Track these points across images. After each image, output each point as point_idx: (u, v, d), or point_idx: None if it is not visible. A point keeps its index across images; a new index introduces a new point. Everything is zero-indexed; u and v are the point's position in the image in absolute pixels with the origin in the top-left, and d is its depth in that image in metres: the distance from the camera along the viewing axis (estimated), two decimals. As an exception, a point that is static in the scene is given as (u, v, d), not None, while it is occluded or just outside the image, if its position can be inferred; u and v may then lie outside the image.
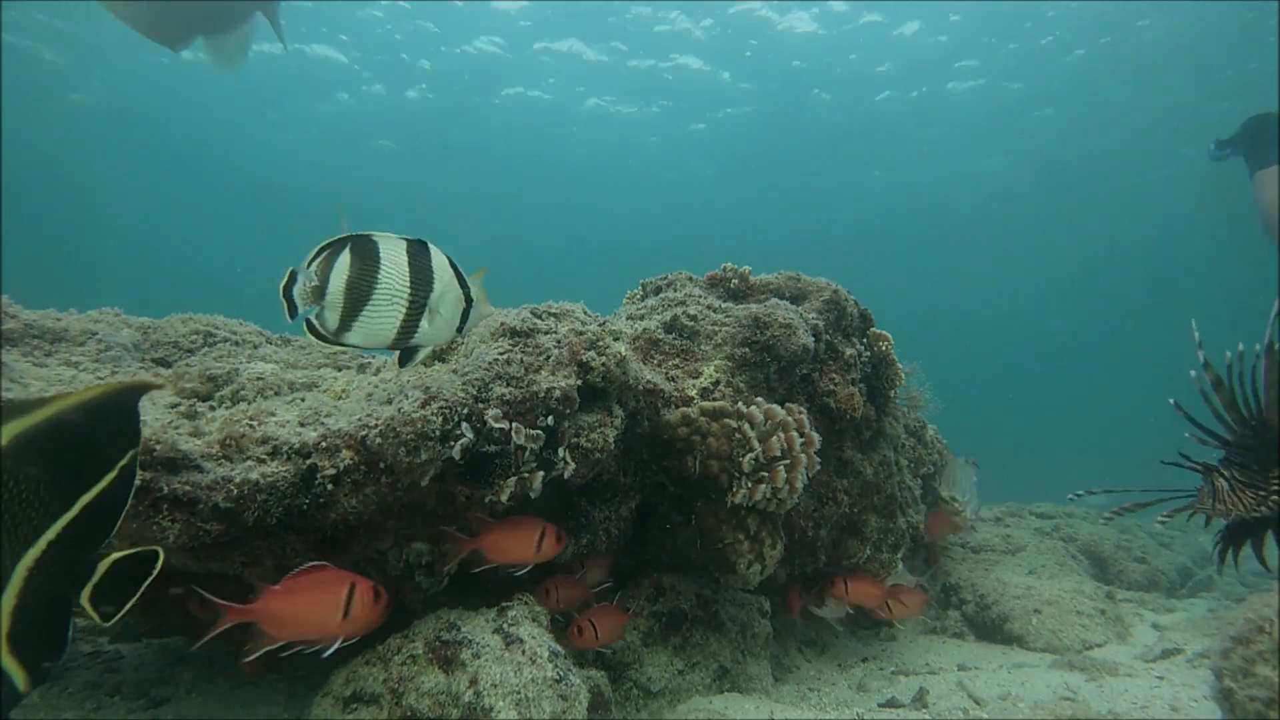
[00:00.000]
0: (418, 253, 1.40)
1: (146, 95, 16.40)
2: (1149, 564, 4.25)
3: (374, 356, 2.28)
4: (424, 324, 1.42)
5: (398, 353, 1.50)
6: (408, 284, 1.39)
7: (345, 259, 1.35)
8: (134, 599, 0.90)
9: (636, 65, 15.46)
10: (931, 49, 14.17)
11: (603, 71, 15.80)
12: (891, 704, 2.24)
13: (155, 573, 0.93)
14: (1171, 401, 2.02)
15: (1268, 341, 1.79)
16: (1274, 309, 1.77)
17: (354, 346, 1.42)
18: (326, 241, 1.36)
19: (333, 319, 1.36)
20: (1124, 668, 2.54)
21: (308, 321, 1.38)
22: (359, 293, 1.36)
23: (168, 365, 2.08)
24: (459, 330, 1.47)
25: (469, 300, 1.46)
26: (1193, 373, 1.92)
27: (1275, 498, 1.80)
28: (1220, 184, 4.75)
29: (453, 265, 1.44)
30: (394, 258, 1.38)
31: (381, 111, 17.44)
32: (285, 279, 1.33)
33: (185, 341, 2.20)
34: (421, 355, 1.52)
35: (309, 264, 1.35)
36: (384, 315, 1.38)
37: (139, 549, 0.94)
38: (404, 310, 1.39)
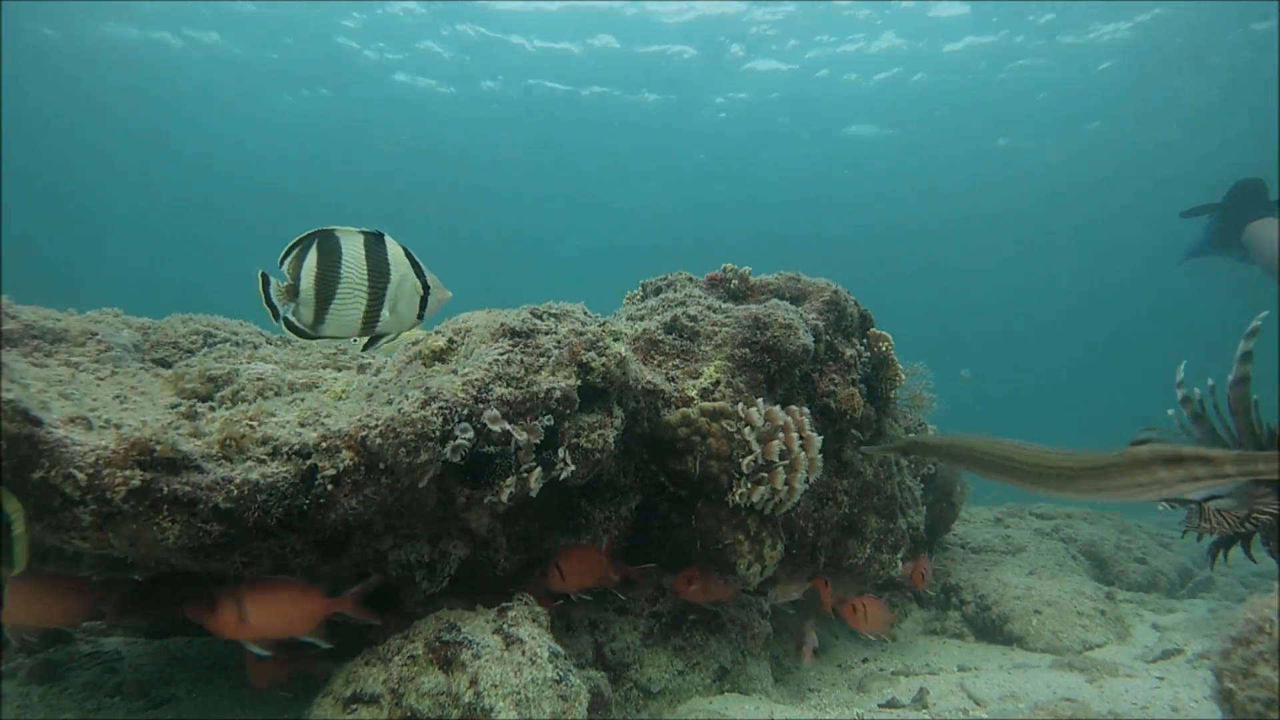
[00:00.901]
0: (374, 245, 1.51)
1: (146, 93, 16.41)
2: (1149, 564, 4.25)
3: (374, 357, 2.28)
4: (385, 312, 1.53)
5: (378, 341, 1.63)
6: (366, 276, 1.50)
7: (312, 257, 1.47)
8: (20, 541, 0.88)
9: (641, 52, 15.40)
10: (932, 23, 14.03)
11: (600, 59, 15.72)
12: (892, 704, 2.24)
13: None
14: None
15: (1237, 376, 1.89)
16: (1239, 349, 1.87)
17: (329, 337, 1.55)
18: (295, 240, 1.47)
19: (307, 314, 1.48)
20: (1124, 668, 2.54)
21: (286, 319, 1.48)
22: (326, 287, 1.48)
23: (168, 365, 2.08)
24: (420, 316, 1.58)
25: (425, 288, 1.56)
26: (1170, 412, 2.05)
27: (1256, 516, 1.94)
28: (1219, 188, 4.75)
29: (408, 255, 1.54)
30: (353, 252, 1.49)
31: (383, 104, 17.41)
32: (260, 284, 1.45)
33: (185, 342, 2.20)
34: (385, 341, 1.63)
35: (281, 263, 1.46)
36: (349, 306, 1.50)
37: None
38: (365, 301, 1.51)
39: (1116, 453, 1.13)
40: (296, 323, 1.49)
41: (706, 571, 2.22)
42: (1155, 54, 13.35)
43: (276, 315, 1.46)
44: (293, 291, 1.46)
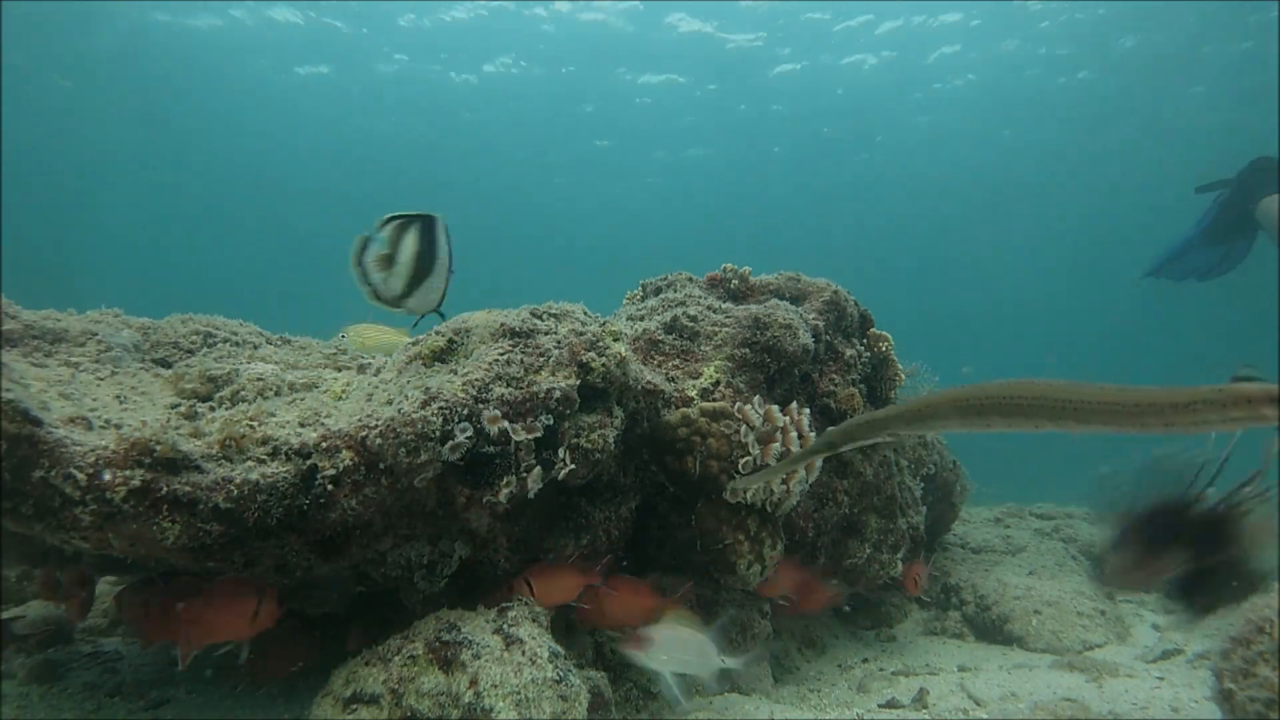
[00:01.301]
0: (446, 230, 1.68)
1: (147, 91, 16.39)
2: (1149, 564, 4.25)
3: (374, 357, 2.28)
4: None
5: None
6: (449, 259, 1.68)
7: (413, 235, 1.62)
8: None
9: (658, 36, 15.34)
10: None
11: (600, 45, 15.67)
12: (892, 704, 2.24)
13: None
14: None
15: None
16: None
17: (411, 310, 1.73)
18: (396, 214, 1.60)
19: (398, 285, 1.62)
20: (1124, 668, 2.54)
21: (373, 286, 1.63)
22: (424, 265, 1.63)
23: (168, 365, 2.08)
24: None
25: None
26: None
27: None
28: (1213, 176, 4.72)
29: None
30: (443, 238, 1.67)
31: (383, 100, 17.39)
32: (357, 247, 1.59)
33: (185, 342, 2.20)
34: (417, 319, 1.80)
35: (380, 229, 1.59)
36: (435, 287, 1.68)
37: None
38: (446, 282, 1.69)
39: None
40: (381, 290, 1.61)
41: (628, 586, 1.99)
42: (1166, 43, 13.28)
43: (366, 278, 1.60)
44: (388, 261, 1.58)
